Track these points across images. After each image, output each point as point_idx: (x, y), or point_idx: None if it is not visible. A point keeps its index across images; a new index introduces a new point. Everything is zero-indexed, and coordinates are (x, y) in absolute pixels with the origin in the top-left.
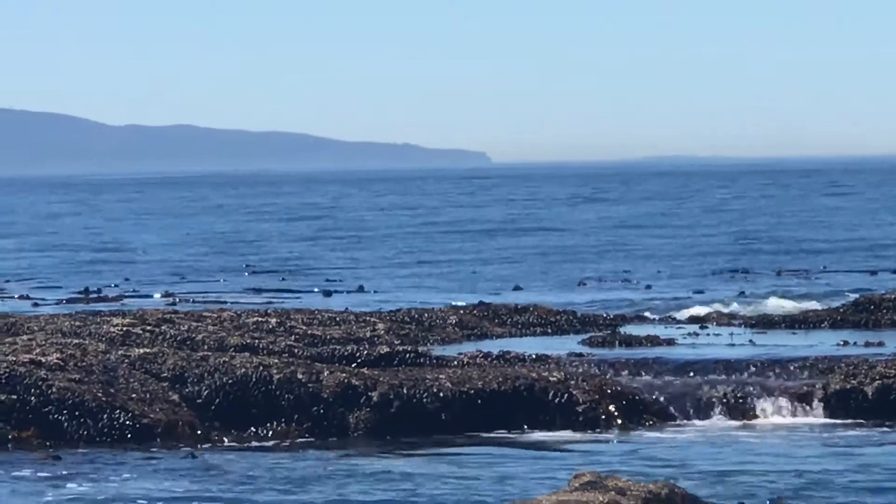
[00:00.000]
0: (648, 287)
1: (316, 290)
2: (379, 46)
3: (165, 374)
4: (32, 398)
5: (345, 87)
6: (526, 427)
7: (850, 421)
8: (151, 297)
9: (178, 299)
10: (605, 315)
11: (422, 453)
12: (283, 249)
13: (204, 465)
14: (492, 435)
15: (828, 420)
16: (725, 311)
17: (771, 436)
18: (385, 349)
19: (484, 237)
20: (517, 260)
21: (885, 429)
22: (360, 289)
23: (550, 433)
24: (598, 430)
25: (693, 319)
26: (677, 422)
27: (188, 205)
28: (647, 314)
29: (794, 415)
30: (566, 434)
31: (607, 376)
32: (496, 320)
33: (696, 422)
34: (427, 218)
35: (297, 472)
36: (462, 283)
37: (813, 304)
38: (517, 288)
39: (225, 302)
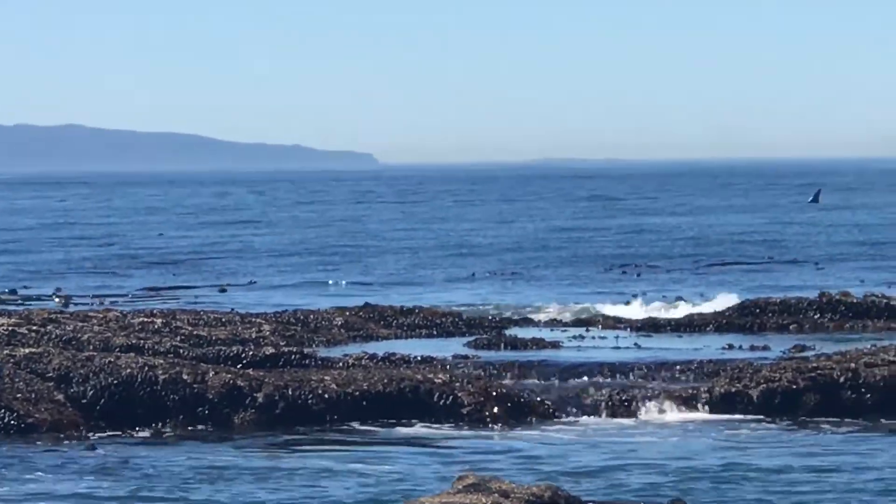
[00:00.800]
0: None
1: (211, 284)
2: (268, 47)
3: (51, 374)
4: None
5: (236, 87)
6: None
7: (735, 417)
8: (47, 295)
9: (67, 300)
10: (490, 317)
11: (307, 450)
12: (175, 244)
13: (102, 461)
14: (373, 428)
15: (710, 416)
16: (610, 314)
17: (654, 433)
18: (270, 350)
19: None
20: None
21: (770, 425)
22: (251, 283)
23: (435, 429)
24: (482, 427)
25: (579, 322)
26: (562, 419)
27: (79, 203)
28: (533, 317)
29: (678, 416)
30: (451, 431)
31: (492, 378)
32: (382, 322)
33: (582, 418)
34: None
35: (187, 469)
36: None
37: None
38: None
39: (116, 300)
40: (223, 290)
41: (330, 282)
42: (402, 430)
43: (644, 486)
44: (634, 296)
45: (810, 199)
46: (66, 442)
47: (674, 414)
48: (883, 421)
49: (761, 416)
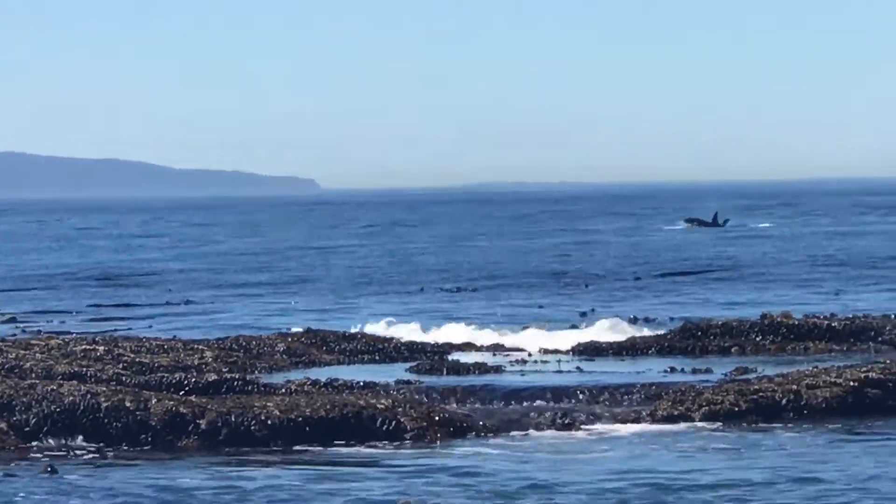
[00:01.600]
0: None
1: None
2: (208, 74)
3: None
4: None
5: (177, 115)
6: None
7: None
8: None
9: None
10: (432, 343)
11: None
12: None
13: (61, 483)
14: (319, 449)
15: (648, 427)
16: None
17: (602, 444)
18: (213, 377)
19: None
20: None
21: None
22: (187, 302)
23: (378, 450)
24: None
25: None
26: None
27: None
28: (475, 342)
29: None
30: (393, 451)
31: (435, 403)
32: (324, 347)
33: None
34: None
35: (148, 488)
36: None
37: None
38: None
39: (64, 321)
40: (187, 303)
41: (271, 301)
42: (345, 451)
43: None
44: (583, 313)
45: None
46: (14, 464)
47: (624, 427)
48: (829, 426)
49: (707, 425)
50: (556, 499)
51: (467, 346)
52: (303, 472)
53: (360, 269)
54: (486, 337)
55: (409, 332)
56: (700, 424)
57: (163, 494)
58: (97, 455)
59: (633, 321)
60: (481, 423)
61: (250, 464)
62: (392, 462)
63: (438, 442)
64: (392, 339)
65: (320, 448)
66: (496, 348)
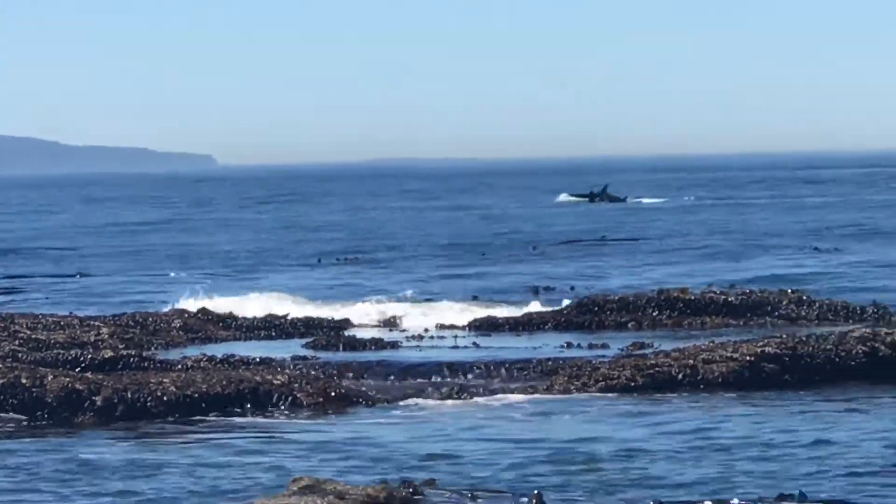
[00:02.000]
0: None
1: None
2: (105, 48)
3: None
4: None
5: (73, 89)
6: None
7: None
8: None
9: None
10: (330, 318)
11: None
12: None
13: None
14: (216, 419)
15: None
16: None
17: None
18: (109, 353)
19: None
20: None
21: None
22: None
23: (277, 420)
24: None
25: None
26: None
27: None
28: (368, 320)
29: None
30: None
31: (331, 379)
32: (221, 324)
33: (422, 401)
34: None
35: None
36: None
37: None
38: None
39: None
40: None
41: (171, 274)
42: (238, 420)
43: (491, 467)
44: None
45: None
46: None
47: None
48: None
49: (606, 394)
50: (463, 469)
51: (363, 324)
52: (205, 442)
53: (258, 242)
54: (387, 309)
55: (302, 307)
56: (598, 394)
57: (67, 466)
58: None
59: (535, 292)
60: (378, 398)
61: (152, 435)
62: (291, 433)
63: (334, 414)
64: (287, 315)
65: (220, 417)
66: (391, 323)
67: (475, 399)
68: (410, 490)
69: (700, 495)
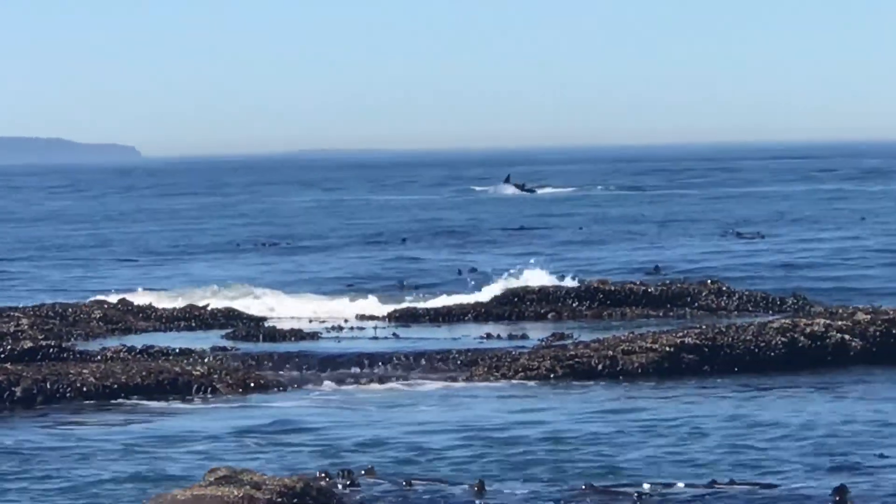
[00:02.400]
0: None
1: None
2: (27, 36)
3: None
4: None
5: None
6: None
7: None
8: None
9: None
10: (247, 313)
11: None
12: None
13: None
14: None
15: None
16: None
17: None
18: (28, 344)
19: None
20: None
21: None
22: None
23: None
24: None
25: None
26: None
27: None
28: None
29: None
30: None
31: (251, 370)
32: (140, 315)
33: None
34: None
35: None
36: None
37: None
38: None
39: None
40: None
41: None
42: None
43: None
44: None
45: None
46: None
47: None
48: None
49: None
50: (388, 453)
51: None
52: (126, 425)
53: (182, 233)
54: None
55: (228, 298)
56: (517, 382)
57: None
58: None
59: (459, 273)
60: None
61: (72, 422)
62: (210, 419)
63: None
64: (207, 305)
65: (138, 402)
66: (312, 314)
67: (395, 384)
68: (347, 480)
69: (628, 478)
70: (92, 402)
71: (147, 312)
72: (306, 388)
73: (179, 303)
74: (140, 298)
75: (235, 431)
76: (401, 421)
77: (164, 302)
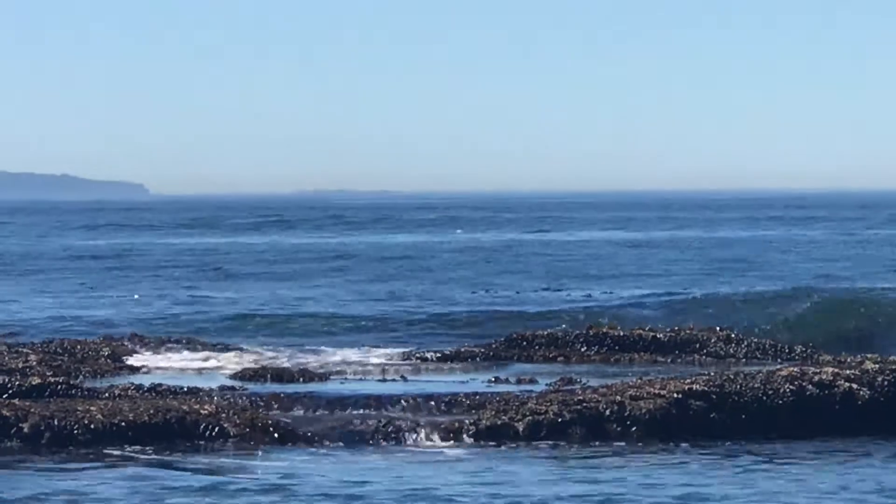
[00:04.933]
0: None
1: None
2: (32, 72)
3: None
4: None
5: (1, 114)
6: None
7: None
8: None
9: None
10: (259, 351)
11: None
12: None
13: None
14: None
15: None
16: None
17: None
18: (37, 380)
19: None
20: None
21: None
22: None
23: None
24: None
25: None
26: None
27: None
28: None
29: (444, 448)
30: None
31: (259, 410)
32: (149, 352)
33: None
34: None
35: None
36: None
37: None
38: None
39: None
40: None
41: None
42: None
43: None
44: None
45: None
46: None
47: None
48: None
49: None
50: None
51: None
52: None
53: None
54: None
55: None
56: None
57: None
58: None
59: None
60: (305, 430)
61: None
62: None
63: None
64: (220, 344)
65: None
66: (320, 355)
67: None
68: None
69: None
70: (99, 445)
71: (157, 350)
72: (314, 438)
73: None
74: None
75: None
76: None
77: None
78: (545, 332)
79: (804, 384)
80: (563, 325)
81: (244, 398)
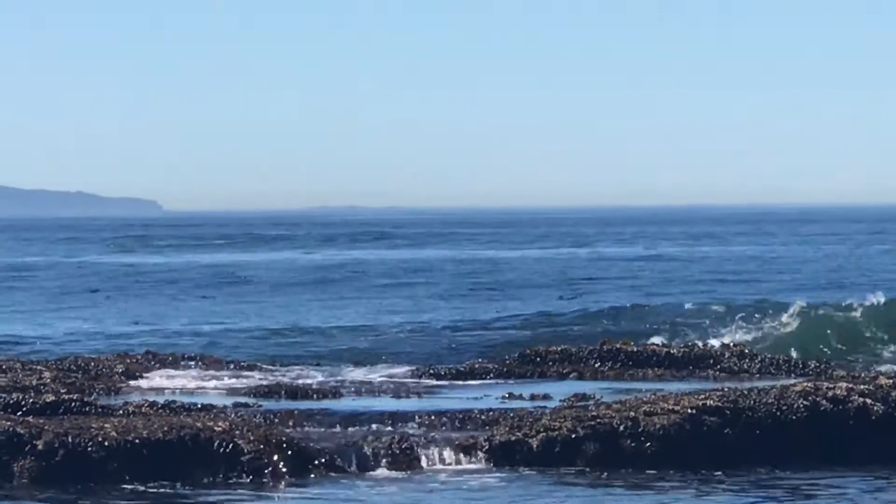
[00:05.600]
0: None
1: None
2: (46, 87)
3: None
4: None
5: (16, 131)
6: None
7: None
8: None
9: None
10: (271, 366)
11: None
12: None
13: None
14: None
15: (491, 468)
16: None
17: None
18: (51, 398)
19: None
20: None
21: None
22: None
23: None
24: (264, 481)
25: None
26: (345, 474)
27: None
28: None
29: (458, 465)
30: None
31: (273, 426)
32: (163, 369)
33: (366, 473)
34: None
35: None
36: None
37: None
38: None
39: None
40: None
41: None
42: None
43: None
44: None
45: None
46: None
47: (454, 462)
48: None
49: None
50: None
51: (305, 368)
52: None
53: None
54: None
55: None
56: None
57: None
58: None
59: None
60: (319, 446)
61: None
62: None
63: (278, 474)
64: (232, 361)
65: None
66: (335, 372)
67: (417, 464)
68: None
69: None
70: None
71: (171, 368)
72: (328, 458)
73: None
74: None
75: None
76: None
77: None
78: (559, 349)
79: (818, 399)
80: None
81: (258, 415)
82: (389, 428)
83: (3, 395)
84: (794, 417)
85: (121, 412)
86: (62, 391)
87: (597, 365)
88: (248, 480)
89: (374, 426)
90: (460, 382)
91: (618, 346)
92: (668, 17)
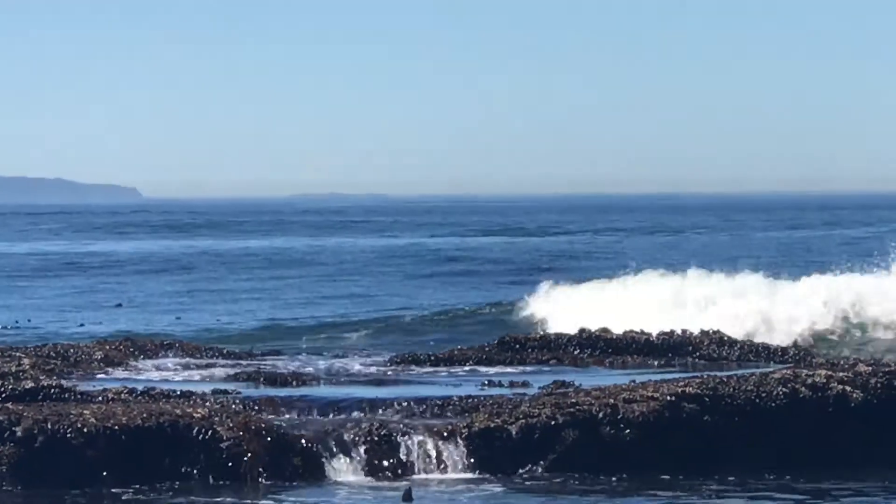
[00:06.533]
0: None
1: None
2: (26, 74)
3: None
4: None
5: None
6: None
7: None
8: None
9: None
10: (251, 351)
11: None
12: None
13: None
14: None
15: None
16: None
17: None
18: (30, 384)
19: None
20: None
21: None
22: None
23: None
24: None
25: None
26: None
27: None
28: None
29: (437, 452)
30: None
31: (252, 413)
32: (142, 356)
33: (351, 478)
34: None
35: None
36: None
37: None
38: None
39: None
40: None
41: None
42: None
43: None
44: None
45: None
46: None
47: (433, 448)
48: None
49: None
50: None
51: (281, 354)
52: None
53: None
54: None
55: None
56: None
57: None
58: None
59: None
60: (298, 433)
61: None
62: None
63: (257, 464)
64: (210, 348)
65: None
66: (314, 355)
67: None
68: None
69: None
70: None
71: (149, 354)
72: (308, 443)
73: None
74: None
75: None
76: None
77: None
78: (538, 336)
79: (797, 386)
80: None
81: (237, 402)
82: (369, 415)
83: None
84: (773, 405)
85: (100, 399)
86: (41, 378)
87: (576, 352)
88: (228, 479)
89: (353, 413)
90: (440, 369)
91: (597, 333)
92: None
